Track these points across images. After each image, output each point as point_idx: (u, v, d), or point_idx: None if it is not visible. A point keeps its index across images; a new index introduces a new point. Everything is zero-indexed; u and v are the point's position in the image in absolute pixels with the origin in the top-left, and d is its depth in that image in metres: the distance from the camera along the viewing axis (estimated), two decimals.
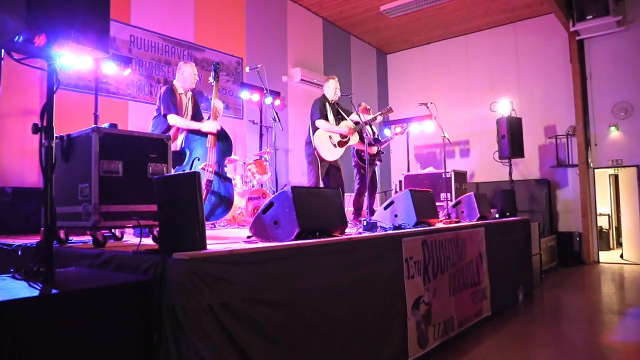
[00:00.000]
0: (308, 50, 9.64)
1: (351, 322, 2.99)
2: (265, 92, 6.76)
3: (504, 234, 5.76)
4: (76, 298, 1.92)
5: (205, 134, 4.60)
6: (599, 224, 9.92)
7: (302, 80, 9.03)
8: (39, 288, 1.94)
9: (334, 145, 5.44)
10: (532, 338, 4.59)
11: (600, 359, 3.92)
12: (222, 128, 4.68)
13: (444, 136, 6.33)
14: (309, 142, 5.48)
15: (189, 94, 4.85)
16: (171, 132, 4.57)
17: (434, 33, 10.95)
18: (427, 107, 6.38)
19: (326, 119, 5.44)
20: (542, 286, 6.99)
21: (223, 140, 4.65)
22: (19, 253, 3.02)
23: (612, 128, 9.17)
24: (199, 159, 4.57)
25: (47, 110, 2.17)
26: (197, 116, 4.87)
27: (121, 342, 2.05)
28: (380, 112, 5.91)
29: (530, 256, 6.62)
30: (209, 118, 4.74)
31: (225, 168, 4.74)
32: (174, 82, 4.83)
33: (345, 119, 5.61)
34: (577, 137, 9.39)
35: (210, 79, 4.95)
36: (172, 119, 4.57)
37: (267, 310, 2.41)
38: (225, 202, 4.51)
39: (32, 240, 3.14)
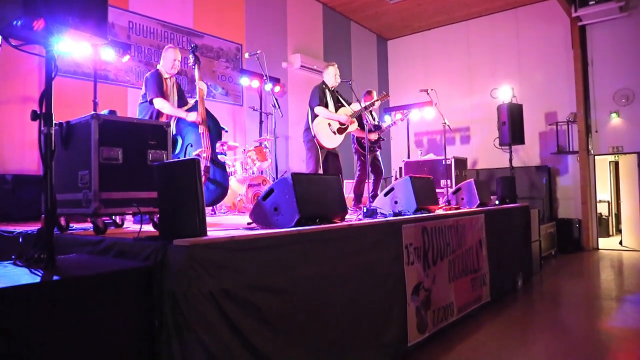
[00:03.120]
0: (308, 37, 9.57)
1: (351, 308, 3.01)
2: (265, 78, 6.73)
3: (504, 221, 5.78)
4: (78, 284, 1.93)
5: None
6: (598, 211, 9.94)
7: (301, 66, 8.98)
8: (41, 274, 1.95)
9: (334, 132, 5.42)
10: (530, 324, 4.62)
11: (599, 344, 3.95)
12: (209, 112, 4.63)
13: (445, 123, 6.31)
14: (307, 129, 5.46)
15: (173, 79, 4.81)
16: (162, 119, 4.51)
17: (434, 19, 10.86)
18: (428, 93, 6.35)
19: (325, 106, 5.42)
20: (541, 272, 7.02)
21: (213, 124, 4.62)
22: (20, 240, 3.03)
23: (613, 115, 9.14)
24: (192, 145, 4.54)
25: (45, 97, 2.16)
26: (181, 101, 4.84)
27: (123, 328, 2.06)
28: (377, 98, 5.89)
29: (530, 243, 6.64)
30: (195, 102, 4.69)
31: (219, 156, 4.72)
32: (159, 67, 4.74)
33: (344, 106, 5.58)
34: (578, 123, 9.36)
35: (190, 63, 4.86)
36: (158, 103, 4.50)
37: (268, 297, 2.42)
38: (221, 187, 4.50)
39: (32, 228, 3.15)
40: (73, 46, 2.32)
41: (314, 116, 5.39)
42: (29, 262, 2.17)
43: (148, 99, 4.54)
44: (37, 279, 1.87)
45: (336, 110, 5.50)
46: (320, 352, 2.73)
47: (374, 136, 6.17)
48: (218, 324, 2.16)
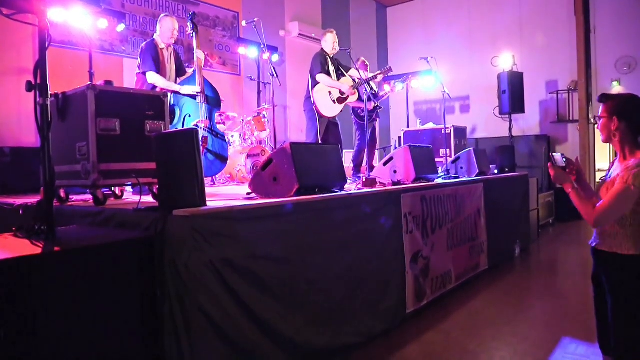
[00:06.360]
0: (305, 4, 9.37)
1: (350, 276, 3.04)
2: (262, 47, 6.62)
3: (503, 190, 5.79)
4: (79, 255, 1.95)
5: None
6: (597, 180, 9.95)
7: (300, 34, 8.83)
8: (41, 246, 1.96)
9: (333, 101, 5.38)
10: (527, 291, 4.68)
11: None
12: (208, 82, 4.57)
13: (444, 91, 6.25)
14: (308, 98, 5.42)
15: (171, 48, 4.73)
16: (158, 90, 4.46)
17: None
18: (428, 61, 6.27)
19: (327, 73, 5.36)
20: (539, 241, 7.08)
21: (210, 94, 4.57)
22: (20, 212, 3.04)
23: (615, 83, 9.04)
24: (190, 116, 4.51)
25: (40, 67, 2.12)
26: (180, 71, 4.78)
27: (124, 299, 2.08)
28: (380, 72, 5.80)
29: (528, 211, 6.67)
30: (194, 71, 4.63)
31: (218, 126, 4.69)
32: (155, 37, 4.65)
33: (345, 75, 5.53)
34: (579, 92, 9.27)
35: (189, 30, 4.78)
36: (151, 77, 4.43)
37: (268, 265, 2.45)
38: (220, 158, 4.49)
39: (32, 200, 3.15)
40: (66, 15, 2.28)
41: (315, 84, 5.33)
42: (29, 233, 2.18)
43: (142, 71, 4.49)
44: (38, 250, 1.88)
45: (338, 79, 5.45)
46: (319, 319, 2.78)
47: (369, 105, 6.11)
48: (219, 293, 2.19)
